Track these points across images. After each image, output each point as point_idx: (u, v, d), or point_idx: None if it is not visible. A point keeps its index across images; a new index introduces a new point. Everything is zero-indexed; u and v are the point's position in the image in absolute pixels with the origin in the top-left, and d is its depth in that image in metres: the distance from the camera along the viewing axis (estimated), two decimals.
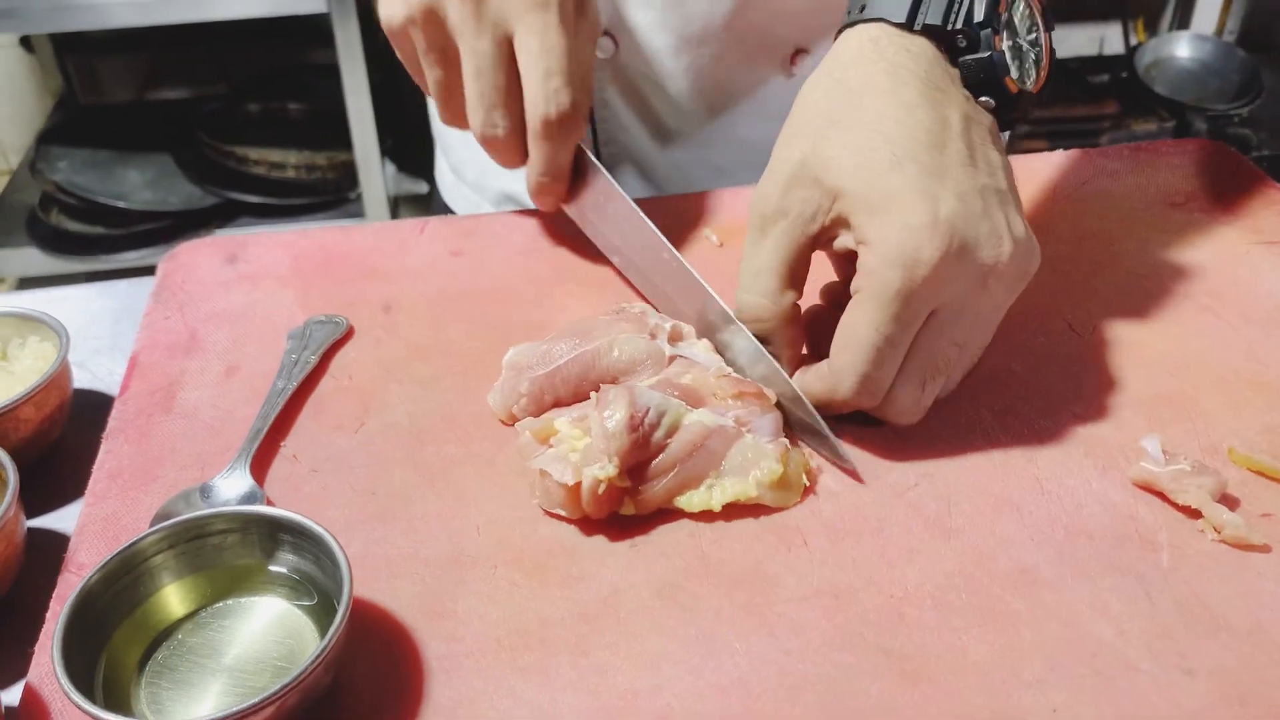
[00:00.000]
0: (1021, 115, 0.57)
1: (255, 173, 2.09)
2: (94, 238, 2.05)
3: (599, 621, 0.49)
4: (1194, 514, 0.53)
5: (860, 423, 0.58)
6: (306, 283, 0.70)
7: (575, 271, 0.70)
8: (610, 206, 0.67)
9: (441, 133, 0.98)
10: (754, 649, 0.48)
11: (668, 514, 0.54)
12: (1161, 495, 0.54)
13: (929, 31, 0.55)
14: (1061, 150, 0.80)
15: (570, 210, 0.70)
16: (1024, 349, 0.63)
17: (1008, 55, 0.55)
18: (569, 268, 0.71)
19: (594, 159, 0.67)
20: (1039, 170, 0.78)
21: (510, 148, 0.66)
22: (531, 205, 0.73)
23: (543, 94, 0.63)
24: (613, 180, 0.66)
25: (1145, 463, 0.54)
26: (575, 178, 0.68)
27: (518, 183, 0.90)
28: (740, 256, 0.71)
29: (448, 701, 0.46)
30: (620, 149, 0.85)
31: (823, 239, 0.56)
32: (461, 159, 0.95)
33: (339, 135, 2.01)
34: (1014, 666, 0.47)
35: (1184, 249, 0.70)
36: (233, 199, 2.05)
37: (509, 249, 0.73)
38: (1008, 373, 0.61)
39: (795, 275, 0.57)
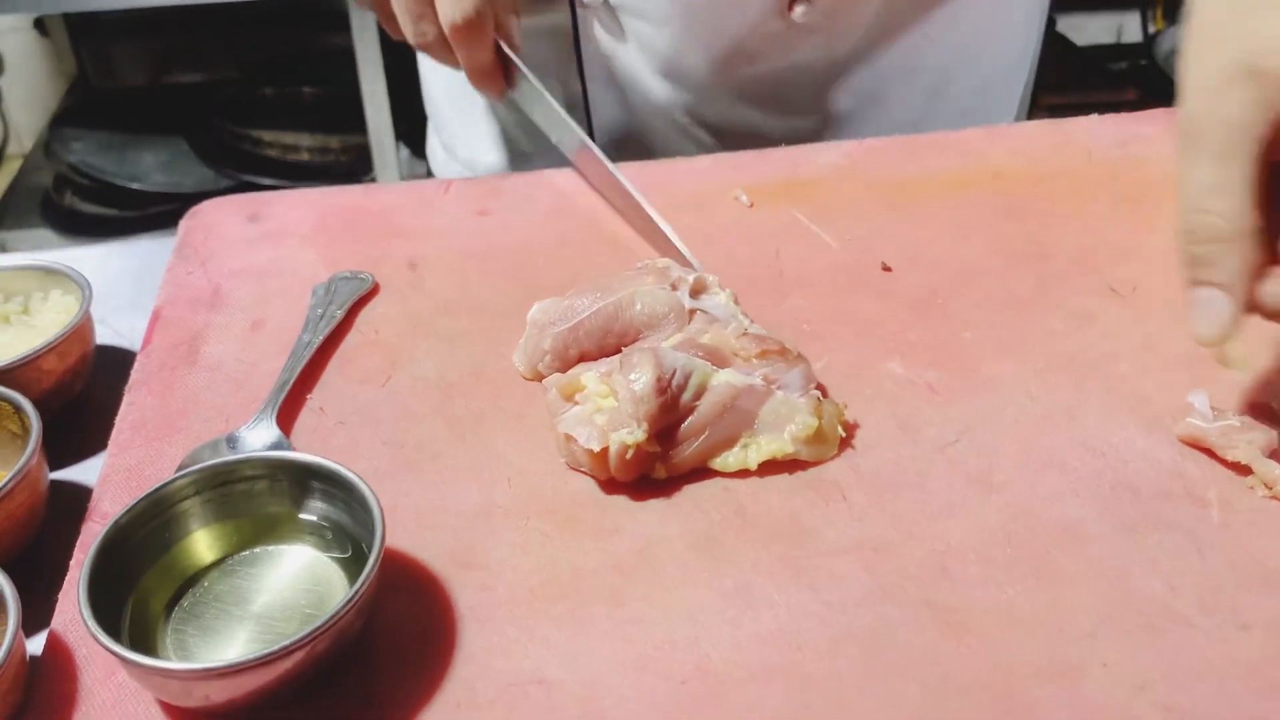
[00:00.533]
0: None
1: (269, 155, 2.08)
2: (108, 219, 2.04)
3: (633, 573, 0.48)
4: (1243, 470, 0.51)
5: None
6: (330, 240, 0.68)
7: (603, 230, 0.69)
8: (538, 104, 0.73)
9: (434, 111, 0.96)
10: (793, 601, 0.46)
11: (700, 472, 0.53)
12: (1209, 452, 0.52)
13: None
14: (1097, 114, 0.78)
15: (519, 102, 0.75)
16: (1064, 308, 0.61)
17: None
18: (596, 227, 0.70)
19: (519, 61, 0.71)
20: (1074, 133, 0.77)
21: (442, 51, 0.71)
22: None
23: (447, 3, 0.67)
24: (534, 80, 0.71)
25: (1193, 418, 0.52)
26: (509, 73, 0.73)
27: (506, 157, 0.90)
28: (770, 218, 0.70)
29: (481, 650, 0.45)
30: (616, 110, 0.84)
31: (1276, 145, 0.47)
32: (453, 136, 0.94)
33: (352, 119, 2.00)
34: (1062, 621, 0.45)
35: None
36: (247, 181, 2.04)
37: (535, 208, 0.71)
38: (1048, 331, 0.60)
39: (1252, 191, 0.47)
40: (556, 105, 0.72)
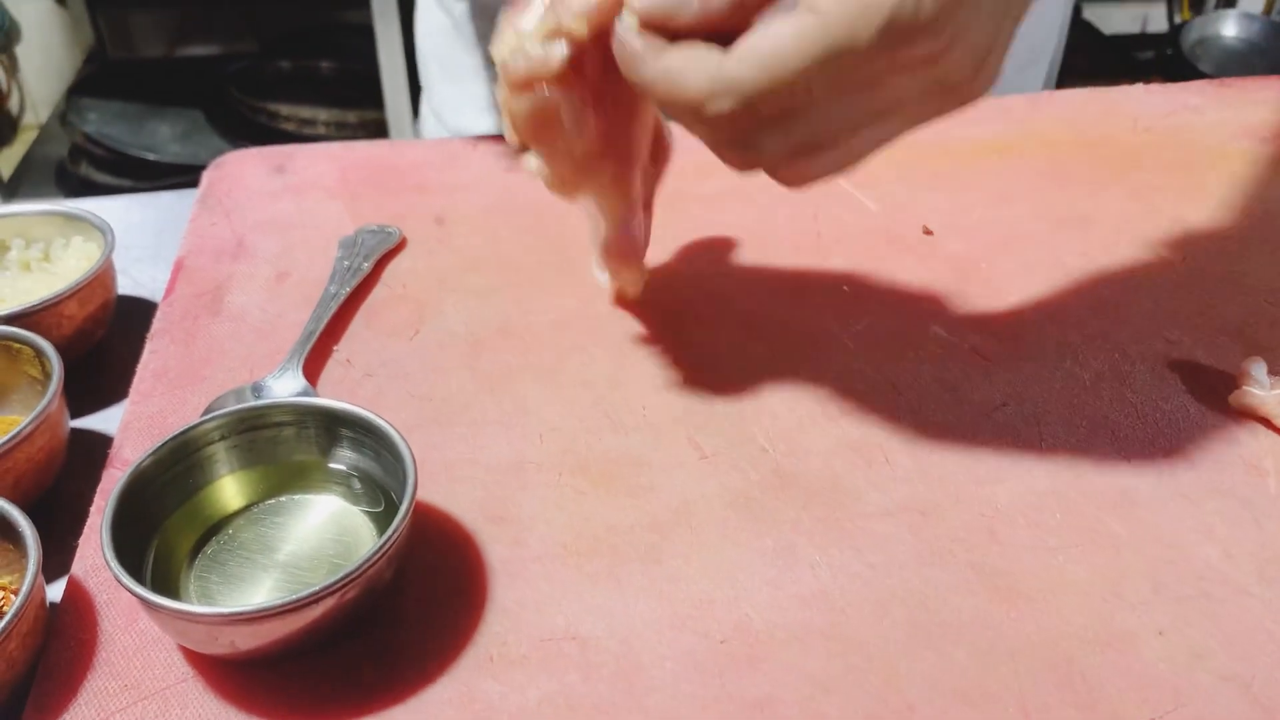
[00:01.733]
0: None
1: (285, 128, 2.07)
2: (123, 190, 2.03)
3: (670, 531, 0.46)
4: None
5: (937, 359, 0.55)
6: (355, 194, 0.67)
7: None
8: None
9: (426, 75, 0.94)
10: (836, 563, 0.45)
11: (736, 424, 0.51)
12: (1266, 421, 0.50)
13: None
14: (1142, 84, 0.76)
15: None
16: (1110, 276, 0.60)
17: None
18: None
19: None
20: (1119, 102, 0.75)
21: None
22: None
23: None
24: None
25: (1249, 386, 0.51)
26: None
27: (494, 123, 0.87)
28: None
29: (512, 604, 0.43)
30: None
31: None
32: (441, 100, 0.92)
33: (370, 94, 1.98)
34: (1115, 587, 0.44)
35: (1275, 181, 0.67)
36: None
37: None
38: (1095, 299, 0.58)
39: None
40: None
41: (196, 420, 0.45)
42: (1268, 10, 2.43)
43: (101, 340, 0.59)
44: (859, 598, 0.44)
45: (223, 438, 0.46)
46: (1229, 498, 0.47)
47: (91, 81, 2.18)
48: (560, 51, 0.43)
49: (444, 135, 0.92)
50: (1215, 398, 0.52)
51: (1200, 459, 0.49)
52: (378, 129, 2.05)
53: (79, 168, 2.05)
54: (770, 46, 0.39)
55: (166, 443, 0.44)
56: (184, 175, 2.02)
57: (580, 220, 0.65)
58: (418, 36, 0.94)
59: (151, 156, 2.01)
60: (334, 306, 0.57)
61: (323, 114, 2.09)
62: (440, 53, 0.90)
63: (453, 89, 0.90)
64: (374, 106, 2.01)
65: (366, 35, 1.87)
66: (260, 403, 0.46)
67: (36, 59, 2.32)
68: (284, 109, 2.08)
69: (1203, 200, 0.66)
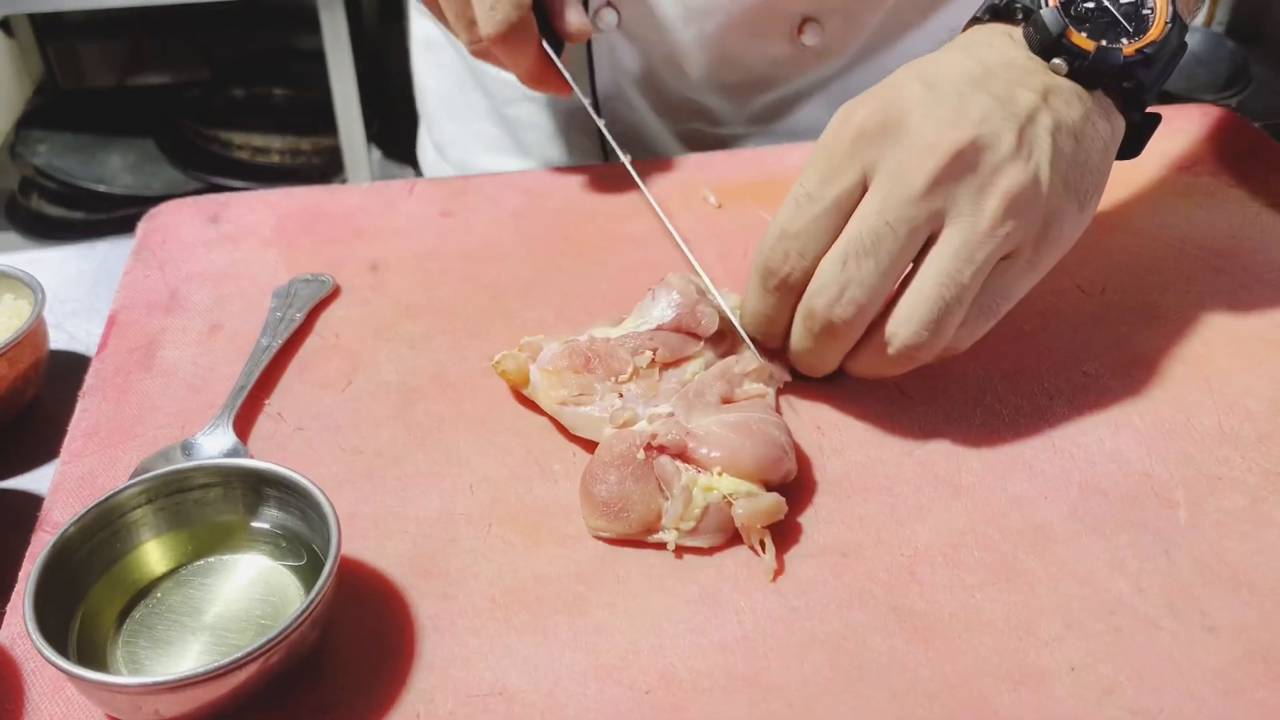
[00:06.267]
0: (1113, 72, 0.52)
1: (239, 157, 2.06)
2: (74, 222, 2.01)
3: (596, 580, 0.47)
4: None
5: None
6: (291, 242, 0.67)
7: (568, 231, 0.68)
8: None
9: (426, 109, 0.96)
10: (759, 607, 0.46)
11: None
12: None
13: (994, 13, 0.54)
14: None
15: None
16: (1031, 309, 0.61)
17: (1062, 12, 0.52)
18: (562, 228, 0.69)
19: (558, 61, 0.68)
20: None
21: (497, 59, 0.69)
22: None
23: (484, 16, 0.65)
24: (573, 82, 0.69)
25: None
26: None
27: (501, 161, 0.89)
28: (738, 218, 0.70)
29: (440, 660, 0.44)
30: (627, 127, 0.83)
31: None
32: (443, 135, 0.93)
33: (323, 120, 1.98)
34: (1030, 624, 0.45)
35: (1193, 211, 0.69)
36: (216, 184, 2.02)
37: (500, 210, 0.70)
38: (1016, 332, 0.59)
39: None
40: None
41: (122, 485, 0.45)
42: (1208, 22, 2.48)
43: (33, 398, 0.59)
44: (781, 642, 0.44)
45: (149, 501, 0.46)
46: (1141, 530, 0.49)
47: (41, 113, 2.16)
48: None
49: (445, 168, 0.94)
50: (1130, 429, 0.54)
51: (1114, 492, 0.51)
52: (332, 156, 2.05)
53: (30, 201, 2.03)
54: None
55: (90, 509, 0.44)
56: (136, 206, 2.00)
57: (514, 267, 0.65)
58: (415, 67, 0.95)
59: (102, 188, 1.99)
60: (265, 359, 0.57)
61: (276, 142, 2.09)
62: (442, 90, 0.92)
63: (457, 127, 0.91)
64: (328, 133, 2.01)
65: (319, 61, 1.87)
66: (186, 465, 0.46)
67: None
68: (237, 138, 2.07)
69: (1122, 231, 0.67)
